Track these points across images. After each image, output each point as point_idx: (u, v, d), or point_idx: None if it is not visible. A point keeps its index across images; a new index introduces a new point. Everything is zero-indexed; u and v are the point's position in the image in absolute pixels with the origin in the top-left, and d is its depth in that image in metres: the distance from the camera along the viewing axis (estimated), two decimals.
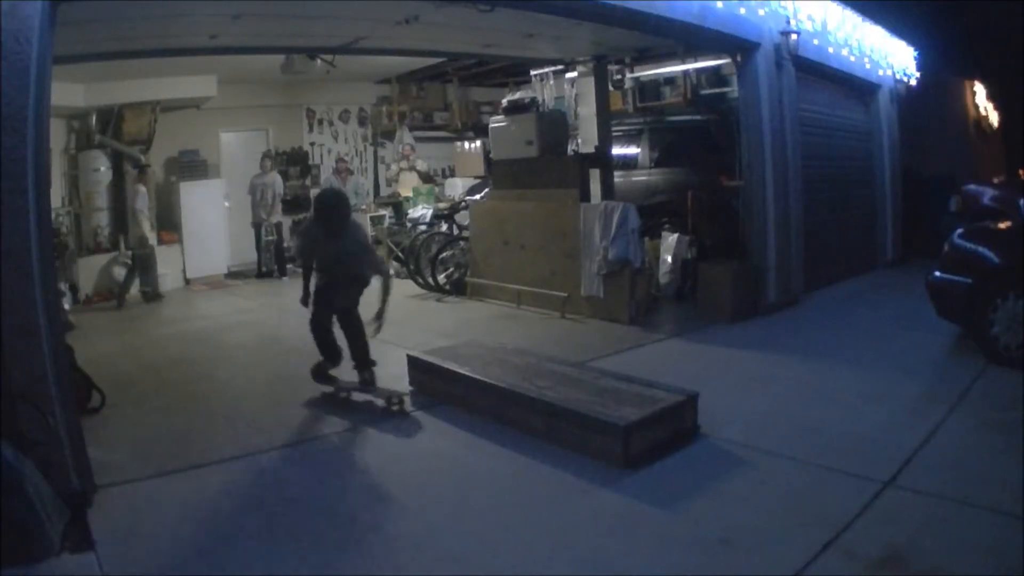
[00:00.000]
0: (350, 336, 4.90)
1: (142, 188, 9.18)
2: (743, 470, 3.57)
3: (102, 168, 9.74)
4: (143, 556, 2.91)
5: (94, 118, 9.64)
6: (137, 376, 5.62)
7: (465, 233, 8.86)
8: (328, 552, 2.93)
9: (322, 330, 4.94)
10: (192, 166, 10.52)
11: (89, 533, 3.02)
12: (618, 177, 8.90)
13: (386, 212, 11.19)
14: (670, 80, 10.27)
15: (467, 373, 4.56)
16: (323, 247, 4.79)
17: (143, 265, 9.18)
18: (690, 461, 3.70)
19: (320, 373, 5.06)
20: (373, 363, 4.90)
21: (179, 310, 8.72)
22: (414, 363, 5.02)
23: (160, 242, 9.93)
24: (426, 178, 12.36)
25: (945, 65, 12.65)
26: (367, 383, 4.87)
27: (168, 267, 9.77)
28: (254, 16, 5.57)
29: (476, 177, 10.94)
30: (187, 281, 10.02)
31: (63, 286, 8.34)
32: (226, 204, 10.76)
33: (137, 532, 3.10)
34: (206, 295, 9.50)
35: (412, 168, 12.38)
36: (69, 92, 8.60)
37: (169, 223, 10.27)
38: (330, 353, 5.00)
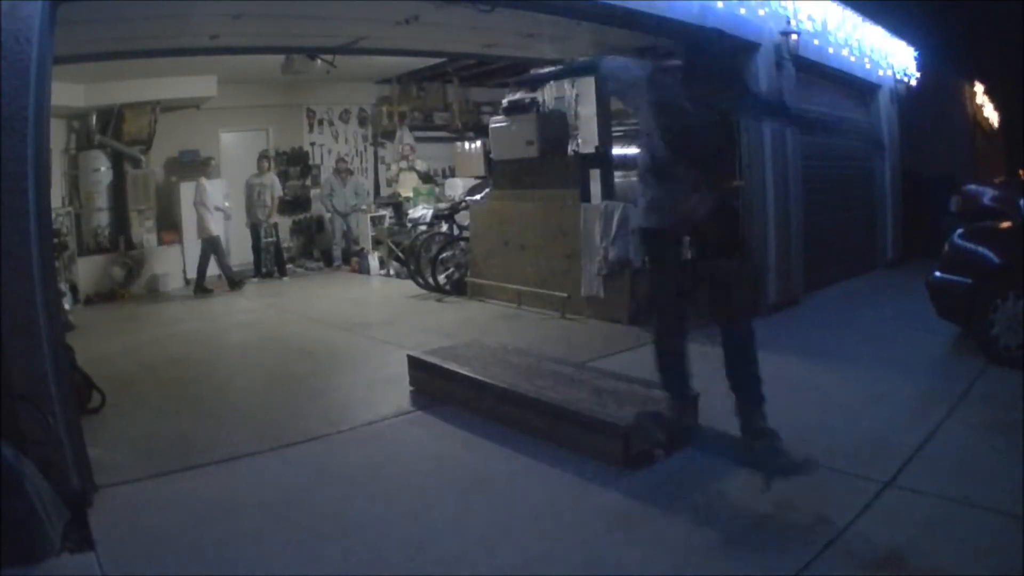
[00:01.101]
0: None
1: (204, 181, 9.49)
2: (743, 470, 3.56)
3: (102, 168, 9.76)
4: (143, 556, 2.90)
5: (94, 118, 9.66)
6: (137, 376, 5.61)
7: (465, 233, 8.86)
8: (328, 552, 2.92)
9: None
10: (192, 166, 10.52)
11: (89, 533, 3.01)
12: (618, 177, 8.90)
13: (386, 212, 11.19)
14: None
15: (467, 373, 4.55)
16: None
17: (215, 253, 9.50)
18: (690, 461, 3.70)
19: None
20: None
21: (179, 310, 8.72)
22: (414, 363, 5.01)
23: (160, 243, 9.96)
24: (426, 178, 12.35)
25: (945, 65, 12.65)
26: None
27: (168, 267, 9.77)
28: (254, 16, 5.58)
29: (476, 177, 10.94)
30: (187, 281, 10.02)
31: (63, 286, 8.35)
32: (226, 204, 10.75)
33: (137, 532, 3.10)
34: (206, 295, 9.49)
35: (412, 168, 12.38)
36: (69, 92, 8.60)
37: (169, 223, 10.27)
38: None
